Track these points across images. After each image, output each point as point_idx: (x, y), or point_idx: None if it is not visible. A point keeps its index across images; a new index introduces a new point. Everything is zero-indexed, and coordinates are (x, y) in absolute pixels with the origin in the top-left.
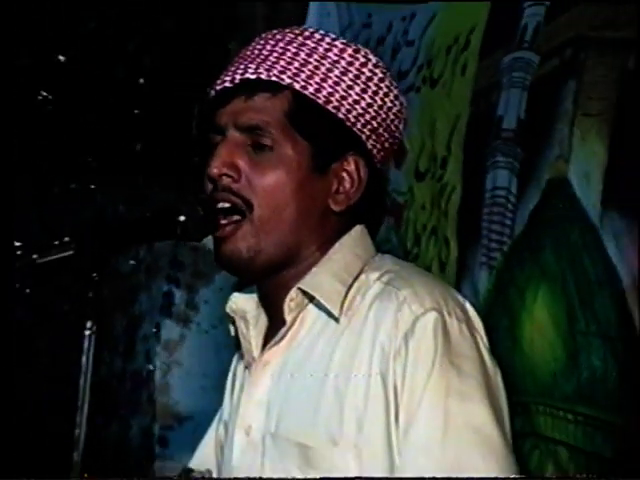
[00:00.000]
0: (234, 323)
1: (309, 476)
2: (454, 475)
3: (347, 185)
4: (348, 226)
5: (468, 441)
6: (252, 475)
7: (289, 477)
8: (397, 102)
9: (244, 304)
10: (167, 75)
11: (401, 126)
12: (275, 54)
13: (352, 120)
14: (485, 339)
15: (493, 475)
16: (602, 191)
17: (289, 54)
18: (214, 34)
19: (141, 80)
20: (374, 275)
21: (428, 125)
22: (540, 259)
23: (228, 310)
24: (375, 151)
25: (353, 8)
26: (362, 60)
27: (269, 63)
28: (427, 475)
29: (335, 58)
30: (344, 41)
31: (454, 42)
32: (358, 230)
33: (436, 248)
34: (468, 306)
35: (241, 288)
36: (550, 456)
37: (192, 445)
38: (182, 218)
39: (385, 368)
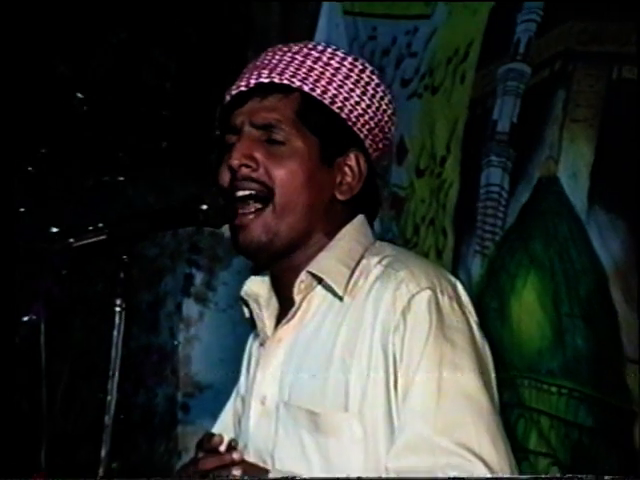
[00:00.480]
0: (248, 305)
1: (319, 440)
2: (447, 435)
3: (349, 178)
4: (351, 215)
5: (460, 406)
6: (267, 440)
7: (300, 441)
8: (391, 105)
9: (257, 288)
10: (190, 80)
11: (393, 128)
12: (285, 61)
13: (353, 119)
14: (474, 314)
15: (484, 437)
16: (589, 189)
17: (297, 61)
18: (233, 43)
19: (167, 84)
20: (375, 259)
21: (429, 128)
22: (530, 248)
23: (242, 294)
24: (371, 149)
25: (359, 22)
26: (360, 67)
27: (280, 68)
28: (424, 435)
29: (337, 65)
30: (344, 51)
31: (454, 54)
32: (360, 219)
33: (434, 237)
34: (459, 285)
35: (255, 273)
36: (533, 425)
37: (211, 411)
38: (204, 207)
39: (385, 341)
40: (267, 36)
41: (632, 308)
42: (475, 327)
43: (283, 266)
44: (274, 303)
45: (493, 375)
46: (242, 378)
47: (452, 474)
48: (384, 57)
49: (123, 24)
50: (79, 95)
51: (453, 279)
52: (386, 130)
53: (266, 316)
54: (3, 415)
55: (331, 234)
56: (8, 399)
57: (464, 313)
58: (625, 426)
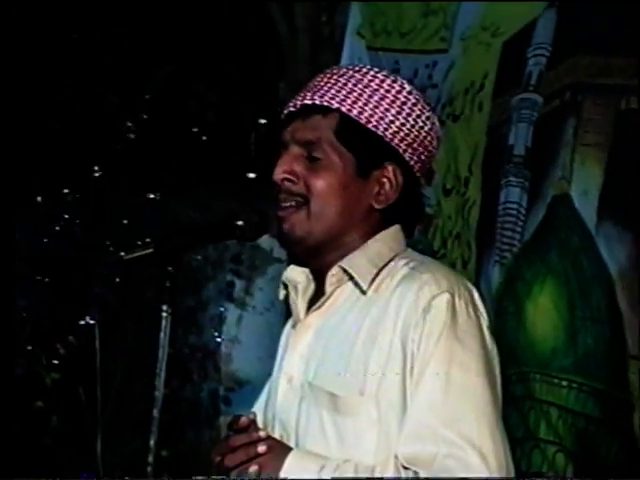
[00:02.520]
0: (286, 288)
1: (337, 419)
2: (450, 427)
3: (386, 188)
4: (388, 224)
5: (464, 402)
6: (290, 414)
7: (320, 419)
8: (428, 122)
9: (297, 275)
10: (229, 109)
11: (434, 142)
12: (329, 84)
13: (389, 136)
14: (486, 319)
15: (483, 431)
16: (598, 205)
17: (340, 84)
18: (266, 76)
19: (209, 113)
20: (402, 262)
21: (452, 152)
22: (546, 259)
23: (283, 279)
24: (412, 162)
25: (382, 56)
26: (398, 88)
27: (322, 91)
28: (430, 425)
29: (375, 87)
30: (385, 73)
31: (471, 85)
32: (395, 228)
33: (459, 250)
34: (475, 292)
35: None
36: (543, 416)
37: (250, 403)
38: (240, 223)
39: (405, 335)
40: (297, 69)
41: (635, 311)
42: (486, 331)
43: (320, 262)
44: (311, 290)
45: (499, 375)
46: (278, 358)
47: (451, 463)
48: None
49: (169, 59)
50: (128, 123)
51: (470, 286)
52: (426, 144)
53: (300, 302)
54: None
55: (367, 237)
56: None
57: (477, 317)
58: (626, 415)
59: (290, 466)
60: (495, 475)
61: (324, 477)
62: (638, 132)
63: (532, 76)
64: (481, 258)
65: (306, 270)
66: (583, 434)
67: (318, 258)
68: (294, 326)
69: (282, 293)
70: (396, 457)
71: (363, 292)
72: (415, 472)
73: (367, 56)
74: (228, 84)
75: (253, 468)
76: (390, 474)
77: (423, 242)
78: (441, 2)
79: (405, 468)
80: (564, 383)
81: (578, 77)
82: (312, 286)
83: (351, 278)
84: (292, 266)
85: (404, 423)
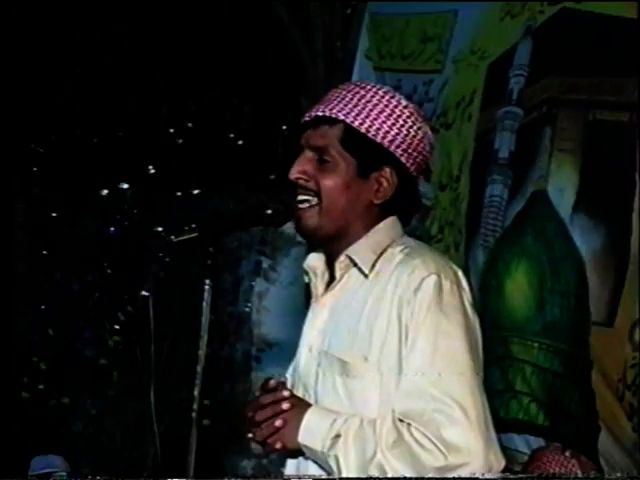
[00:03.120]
0: (308, 274)
1: (346, 382)
2: (437, 386)
3: (384, 186)
4: (387, 215)
5: (449, 367)
6: (310, 377)
7: (333, 382)
8: (420, 131)
9: (315, 263)
10: (261, 120)
11: (427, 147)
12: (337, 99)
13: (387, 143)
14: (469, 296)
15: (465, 389)
16: (574, 201)
17: (346, 99)
18: (290, 92)
19: (242, 123)
20: (398, 249)
21: (446, 155)
22: (522, 242)
23: (305, 266)
24: (408, 164)
25: (386, 75)
26: (395, 103)
27: (331, 105)
28: (420, 385)
29: (376, 102)
30: (385, 90)
31: (461, 99)
32: (392, 219)
33: (453, 236)
34: (459, 273)
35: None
36: (519, 372)
37: (277, 361)
38: (268, 212)
39: (400, 311)
40: (315, 86)
41: (604, 285)
42: (468, 306)
43: (332, 249)
44: (327, 276)
45: (479, 341)
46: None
47: (438, 416)
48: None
49: (210, 78)
50: (177, 131)
51: (455, 268)
52: (419, 149)
53: (319, 284)
54: None
55: (368, 228)
56: None
57: (460, 294)
58: (586, 372)
59: (308, 420)
60: (475, 426)
61: (336, 429)
62: (605, 140)
63: (514, 92)
64: (470, 242)
65: (323, 257)
66: (551, 387)
67: (330, 246)
68: (314, 304)
69: (306, 278)
70: (393, 411)
71: (365, 276)
72: (408, 424)
73: (374, 75)
74: (258, 99)
75: (278, 422)
76: (388, 425)
77: (420, 229)
78: (436, 30)
79: (400, 420)
80: (535, 345)
81: (552, 93)
82: (327, 272)
83: (355, 264)
84: (312, 254)
85: (399, 383)
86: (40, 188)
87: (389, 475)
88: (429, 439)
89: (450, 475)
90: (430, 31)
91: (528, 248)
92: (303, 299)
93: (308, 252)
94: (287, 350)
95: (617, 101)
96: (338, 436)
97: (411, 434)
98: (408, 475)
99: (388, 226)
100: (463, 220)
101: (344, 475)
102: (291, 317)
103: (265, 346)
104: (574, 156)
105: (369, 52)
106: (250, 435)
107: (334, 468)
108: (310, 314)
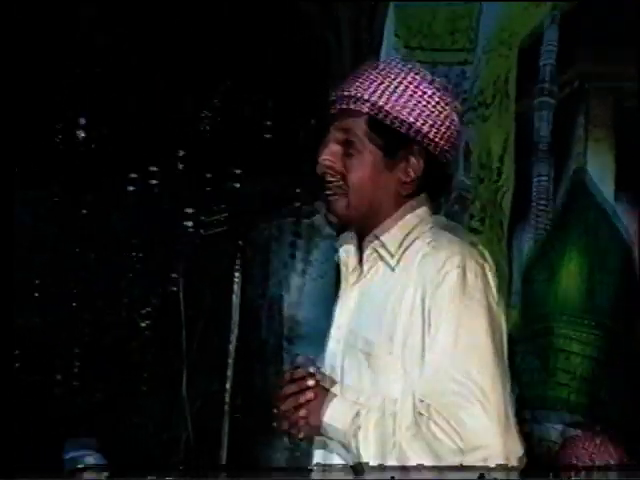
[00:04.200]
0: (338, 254)
1: (370, 372)
2: (458, 369)
3: (412, 163)
4: (417, 192)
5: (470, 354)
6: (336, 365)
7: (359, 370)
8: (447, 107)
9: (347, 243)
10: (288, 110)
11: (455, 122)
12: (360, 87)
13: (412, 119)
14: (493, 286)
15: (484, 373)
16: (614, 189)
17: (370, 78)
18: (315, 76)
19: (271, 116)
20: (425, 241)
21: (485, 148)
22: (569, 235)
23: (337, 246)
24: (437, 139)
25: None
26: (419, 79)
27: (357, 84)
28: (443, 367)
29: (401, 79)
30: (410, 66)
31: (496, 91)
32: (421, 197)
33: (495, 228)
34: (486, 265)
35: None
36: (563, 362)
37: (306, 344)
38: (297, 204)
39: (424, 303)
40: (342, 68)
41: None
42: (492, 298)
43: (363, 229)
44: (357, 257)
45: (504, 331)
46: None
47: (457, 398)
48: None
49: (234, 71)
50: (204, 126)
51: (481, 260)
52: (447, 124)
53: (349, 276)
54: None
55: (399, 205)
56: None
57: (485, 286)
58: (633, 353)
59: (331, 410)
60: (494, 411)
61: (357, 420)
62: (636, 125)
63: (545, 82)
64: (514, 233)
65: (354, 238)
66: (598, 377)
67: (360, 226)
68: (344, 287)
69: (336, 258)
70: (413, 395)
71: (392, 269)
72: (428, 405)
73: (402, 55)
74: (286, 88)
75: (302, 412)
76: (408, 411)
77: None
78: (464, 22)
79: (421, 401)
80: (584, 335)
81: (582, 80)
82: (358, 252)
83: (381, 257)
84: (343, 234)
85: (422, 366)
86: (66, 183)
87: (409, 455)
88: (447, 421)
89: (466, 458)
90: (458, 22)
91: (575, 240)
92: (333, 290)
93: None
94: (315, 334)
95: None
96: (359, 427)
97: (430, 415)
98: (426, 458)
99: (417, 203)
100: (506, 213)
101: (363, 456)
102: (320, 307)
103: (297, 335)
104: (608, 144)
105: (397, 45)
106: (275, 425)
107: (354, 449)
108: (341, 297)
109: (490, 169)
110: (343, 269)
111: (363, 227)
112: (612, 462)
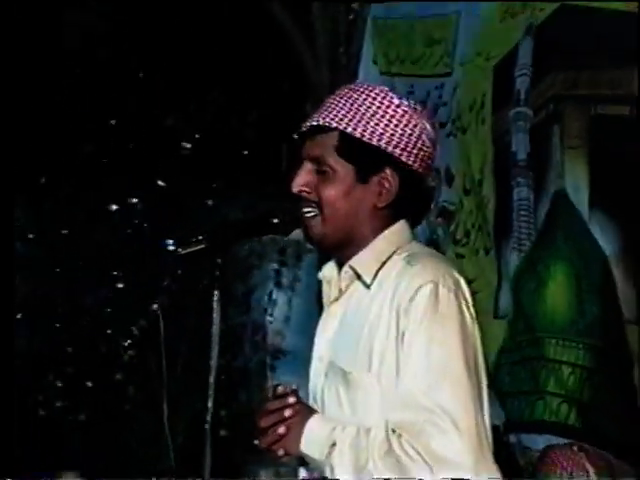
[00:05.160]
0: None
1: (349, 392)
2: (429, 397)
3: (386, 188)
4: (395, 219)
5: (442, 377)
6: (318, 387)
7: (337, 391)
8: (417, 128)
9: (329, 272)
10: (266, 128)
11: (427, 142)
12: (331, 106)
13: (384, 145)
14: (469, 304)
15: (457, 401)
16: (588, 197)
17: (339, 105)
18: (294, 97)
19: (249, 133)
20: (402, 256)
21: (466, 159)
22: (555, 245)
23: (319, 276)
24: (410, 162)
25: (396, 81)
26: (387, 103)
27: (325, 113)
28: (413, 395)
29: (369, 104)
30: (377, 90)
31: (473, 102)
32: (399, 224)
33: (482, 240)
34: (461, 281)
35: (326, 260)
36: (553, 373)
37: (291, 370)
38: (275, 220)
39: (398, 321)
40: (319, 91)
41: (628, 283)
42: (467, 314)
43: (341, 256)
44: (339, 285)
45: (479, 352)
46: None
47: (429, 428)
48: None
49: (214, 87)
50: (184, 143)
51: (457, 276)
52: (419, 145)
53: (331, 294)
54: None
55: (376, 232)
56: None
57: (458, 303)
58: (627, 369)
59: (310, 427)
60: (465, 438)
61: (333, 438)
62: (610, 134)
63: (521, 92)
64: (501, 246)
65: (336, 267)
66: (591, 386)
67: (338, 253)
68: (324, 314)
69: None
70: (387, 422)
71: (368, 286)
72: (400, 435)
73: (380, 80)
74: (263, 107)
75: (281, 429)
76: (381, 436)
77: (438, 234)
78: (442, 33)
79: (393, 431)
80: (575, 344)
81: (556, 90)
82: (339, 280)
83: (359, 276)
84: (327, 264)
85: (395, 393)
86: (50, 202)
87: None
88: (417, 451)
89: None
90: (436, 34)
91: (561, 250)
92: (317, 307)
93: (320, 260)
94: (300, 359)
95: (616, 94)
96: (334, 445)
97: (401, 445)
98: None
99: (393, 232)
100: (490, 224)
101: None
102: (304, 325)
103: (280, 354)
104: (583, 153)
105: (376, 57)
106: (256, 442)
107: (329, 476)
108: (321, 324)
109: (472, 180)
110: (325, 298)
111: (341, 251)
112: (589, 477)
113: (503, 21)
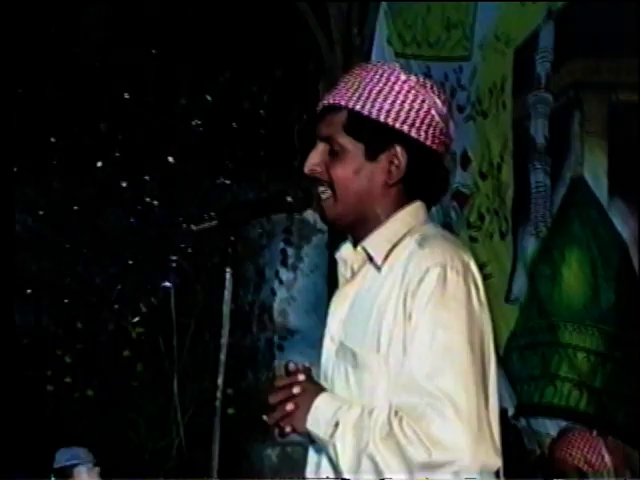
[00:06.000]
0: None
1: (356, 372)
2: (431, 380)
3: (395, 165)
4: (408, 200)
5: (445, 360)
6: (328, 366)
7: (345, 371)
8: (425, 103)
9: (345, 253)
10: (279, 107)
11: (436, 117)
12: (341, 85)
13: (391, 122)
14: (479, 288)
15: (459, 385)
16: (607, 184)
17: (348, 84)
18: (308, 78)
19: (261, 111)
20: (413, 238)
21: (485, 143)
22: (571, 230)
23: (336, 256)
24: (421, 137)
25: (412, 63)
26: (393, 79)
27: (335, 92)
28: (416, 379)
29: (375, 81)
30: (386, 67)
31: (493, 86)
32: (414, 205)
33: (498, 223)
34: (471, 264)
35: (338, 240)
36: (566, 358)
37: (299, 349)
38: (288, 199)
39: (405, 302)
40: (333, 73)
41: None
42: (475, 298)
43: (355, 236)
44: (354, 265)
45: (487, 336)
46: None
47: (429, 412)
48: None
49: (228, 66)
50: (197, 121)
51: (467, 259)
52: (428, 121)
53: (346, 274)
54: None
55: (390, 211)
56: None
57: (467, 286)
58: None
59: (316, 405)
60: (465, 423)
61: (337, 417)
62: (629, 121)
63: (541, 77)
64: (517, 230)
65: (351, 247)
66: (604, 372)
67: (353, 233)
68: (337, 293)
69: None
70: (390, 403)
71: (378, 268)
72: (401, 417)
73: (395, 61)
74: (278, 87)
75: (289, 406)
76: (383, 417)
77: (452, 216)
78: (459, 16)
79: (396, 413)
80: (591, 330)
81: (576, 76)
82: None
83: (370, 257)
84: (344, 244)
85: (399, 375)
86: (61, 179)
87: (379, 465)
88: (417, 434)
89: (435, 471)
90: (453, 17)
91: (577, 235)
92: (325, 287)
93: (330, 240)
94: (309, 338)
95: (637, 82)
96: (337, 425)
97: (401, 428)
98: (397, 467)
99: (407, 213)
100: (508, 208)
101: (340, 463)
102: (312, 305)
103: (287, 334)
104: (602, 139)
105: (390, 38)
106: (265, 418)
107: (332, 455)
108: (333, 304)
109: (491, 164)
110: (340, 278)
111: (356, 230)
112: (604, 464)
113: (524, 5)
